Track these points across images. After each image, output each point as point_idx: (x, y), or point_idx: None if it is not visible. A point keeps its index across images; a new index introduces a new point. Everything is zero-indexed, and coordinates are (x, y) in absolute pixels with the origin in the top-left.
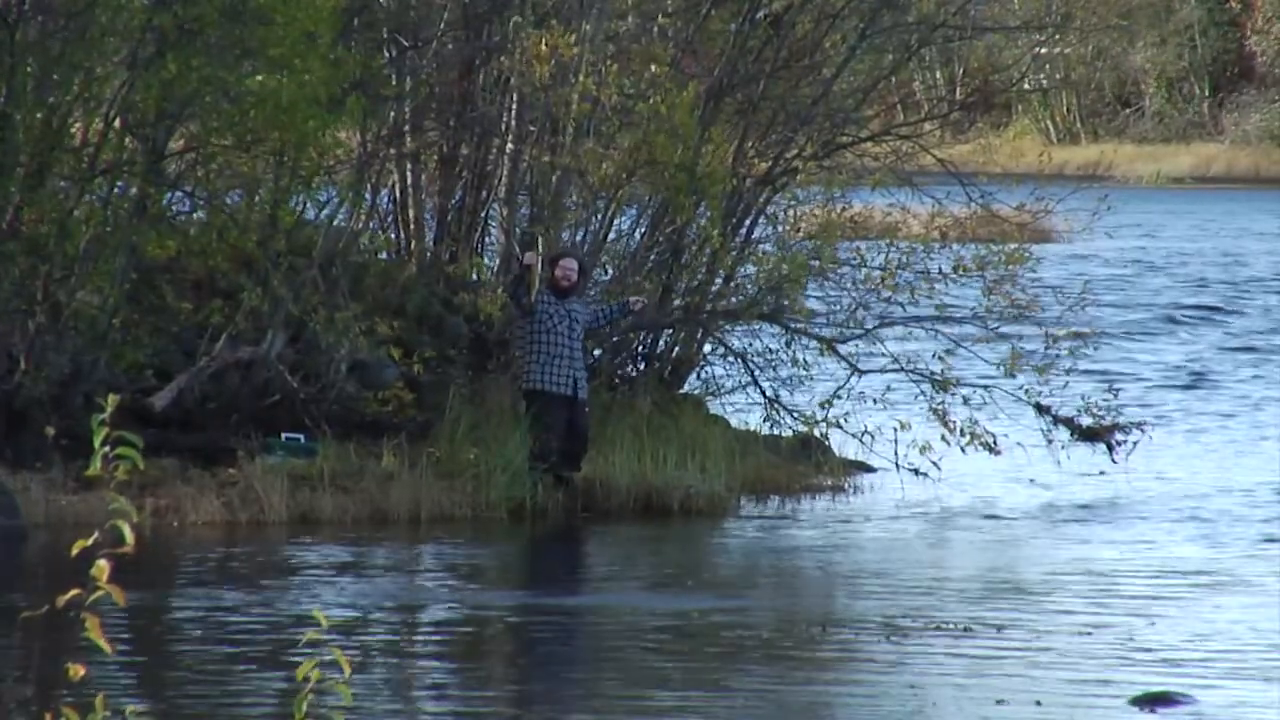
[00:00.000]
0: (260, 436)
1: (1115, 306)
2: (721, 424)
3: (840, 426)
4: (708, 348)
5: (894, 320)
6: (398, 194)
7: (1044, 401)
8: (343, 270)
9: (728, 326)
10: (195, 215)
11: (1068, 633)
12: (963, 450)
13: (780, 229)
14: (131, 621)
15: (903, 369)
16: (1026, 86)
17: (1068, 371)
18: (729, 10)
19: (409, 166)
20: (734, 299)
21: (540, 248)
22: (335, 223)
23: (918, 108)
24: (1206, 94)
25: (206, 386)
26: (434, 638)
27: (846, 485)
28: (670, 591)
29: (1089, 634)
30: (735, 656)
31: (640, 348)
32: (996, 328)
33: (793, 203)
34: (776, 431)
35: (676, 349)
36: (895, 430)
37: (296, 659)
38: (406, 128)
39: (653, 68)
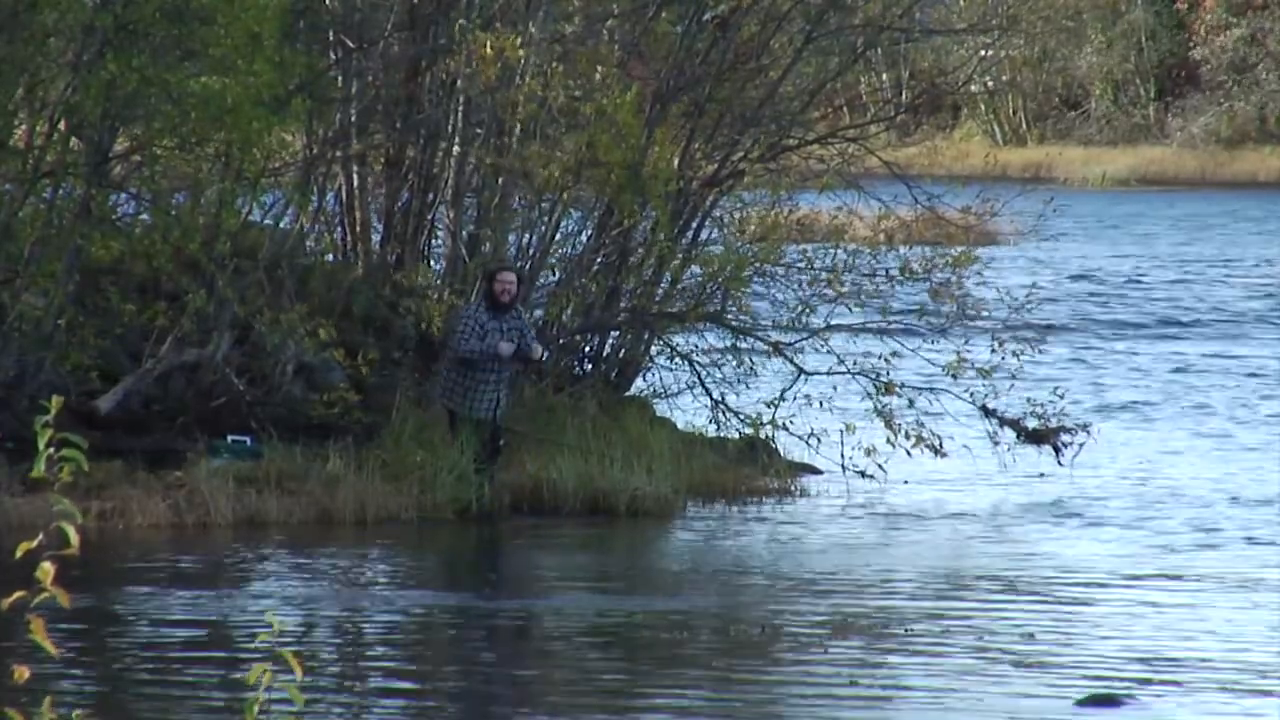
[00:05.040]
0: (206, 439)
1: (1061, 308)
2: (668, 426)
3: (786, 429)
4: (654, 350)
5: (840, 325)
6: (344, 196)
7: (990, 404)
8: (288, 272)
9: (674, 328)
10: (140, 217)
11: (1013, 634)
12: (908, 453)
13: (726, 231)
14: (78, 624)
15: (849, 371)
16: (973, 89)
17: (1013, 374)
18: (675, 13)
19: (355, 169)
20: (680, 301)
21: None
22: (281, 225)
23: (864, 110)
24: (1152, 97)
25: (152, 389)
26: (380, 640)
27: (792, 487)
28: (615, 593)
29: (1032, 635)
30: (679, 657)
31: (587, 349)
32: (942, 330)
33: (739, 205)
34: (723, 434)
35: (623, 351)
36: (841, 432)
37: (244, 661)
38: (353, 130)
39: (599, 69)
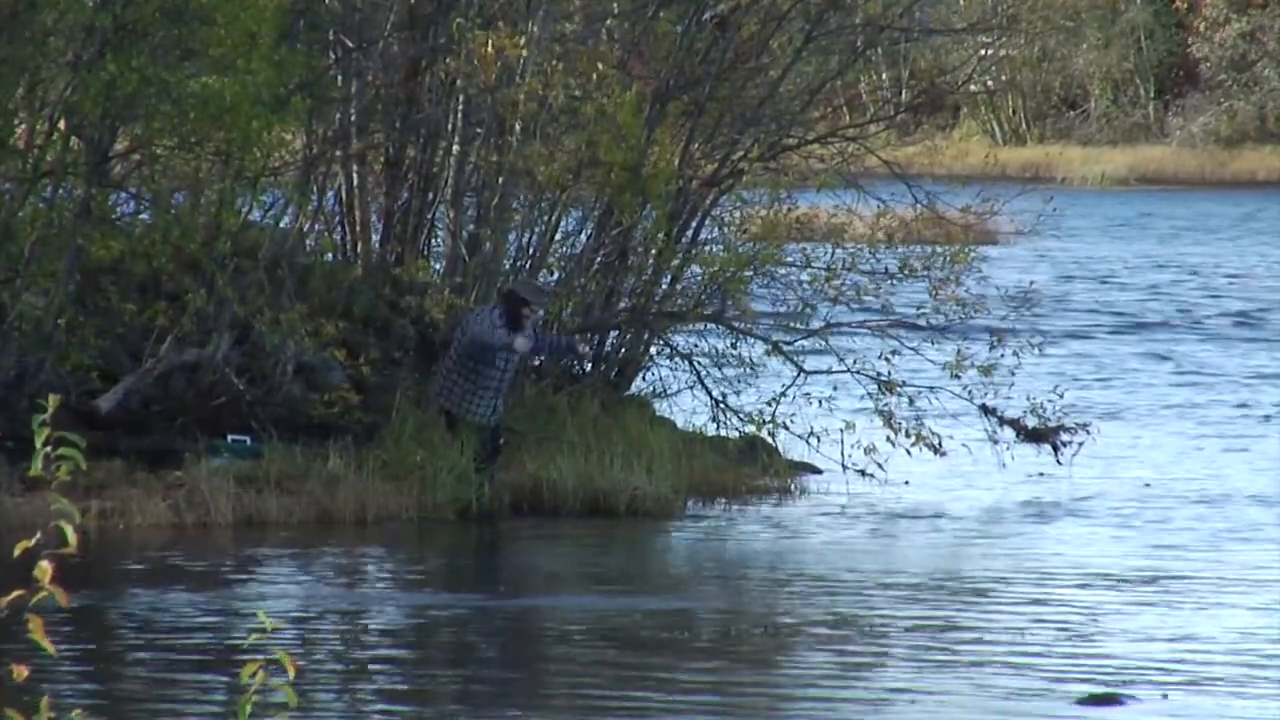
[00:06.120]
0: (206, 438)
1: (1061, 307)
2: (668, 425)
3: (786, 428)
4: (654, 349)
5: (840, 323)
6: (344, 196)
7: (989, 403)
8: (289, 272)
9: (674, 328)
10: (140, 217)
11: (1013, 633)
12: (908, 452)
13: (726, 230)
14: (78, 623)
15: (849, 370)
16: (973, 88)
17: (1012, 372)
18: (675, 12)
19: (355, 168)
20: (680, 300)
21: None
22: (281, 224)
23: (864, 109)
24: (1151, 96)
25: (152, 389)
26: (380, 640)
27: (792, 487)
28: (615, 593)
29: (1033, 635)
30: (680, 658)
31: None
32: (943, 328)
33: (739, 204)
34: (723, 433)
35: (623, 350)
36: (841, 431)
37: (242, 660)
38: (352, 129)
39: (599, 68)
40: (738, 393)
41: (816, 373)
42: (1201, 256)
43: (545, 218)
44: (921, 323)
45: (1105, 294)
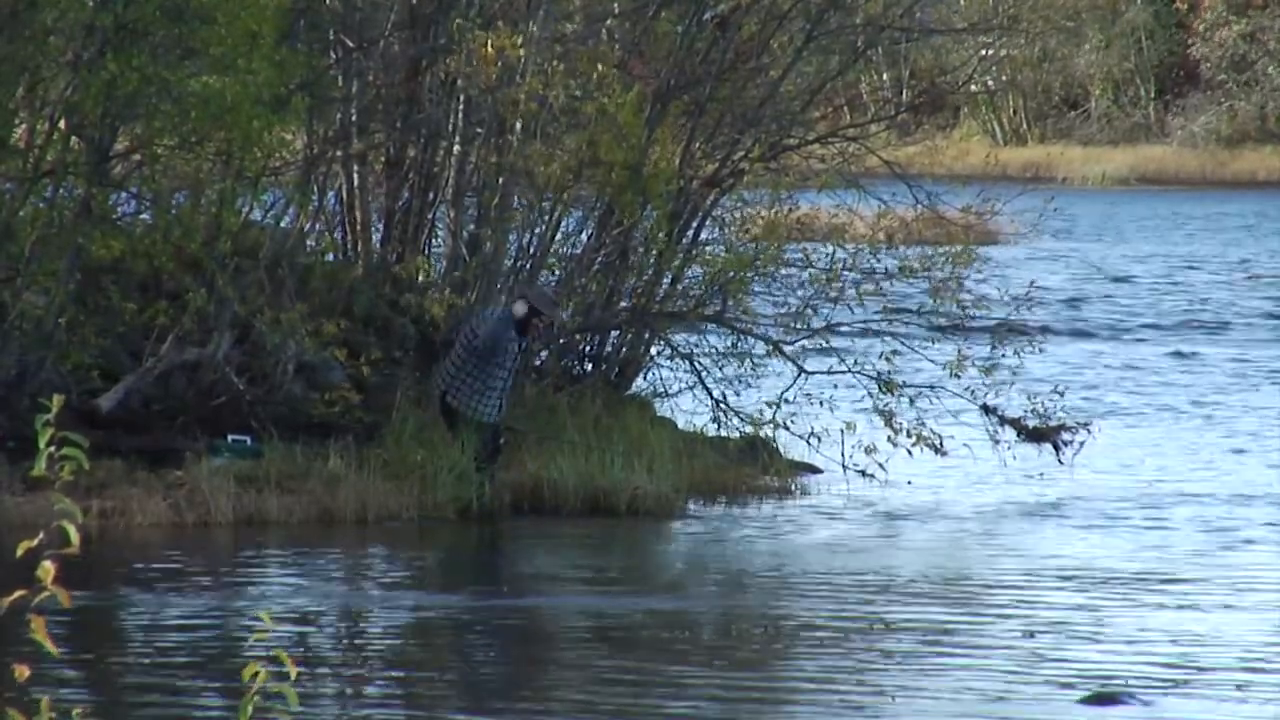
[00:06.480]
0: (207, 438)
1: (1062, 307)
2: (669, 425)
3: (787, 428)
4: (655, 349)
5: (840, 323)
6: (344, 195)
7: (990, 402)
8: (289, 271)
9: (675, 328)
10: (141, 216)
11: (1013, 633)
12: (909, 452)
13: (727, 230)
14: (78, 623)
15: (849, 370)
16: (973, 88)
17: (1014, 372)
18: (676, 12)
19: (355, 168)
20: (681, 301)
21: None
22: (282, 224)
23: (864, 109)
24: (1152, 96)
25: (153, 388)
26: (380, 640)
27: (793, 486)
28: (615, 593)
29: (1033, 635)
30: (680, 658)
31: (587, 349)
32: (944, 328)
33: (739, 204)
34: (723, 433)
35: (624, 350)
36: (842, 431)
37: (243, 661)
38: (353, 129)
39: (599, 68)
40: (738, 393)
41: (817, 373)
42: (1205, 256)
43: (546, 218)
44: (922, 322)
45: (1108, 293)
